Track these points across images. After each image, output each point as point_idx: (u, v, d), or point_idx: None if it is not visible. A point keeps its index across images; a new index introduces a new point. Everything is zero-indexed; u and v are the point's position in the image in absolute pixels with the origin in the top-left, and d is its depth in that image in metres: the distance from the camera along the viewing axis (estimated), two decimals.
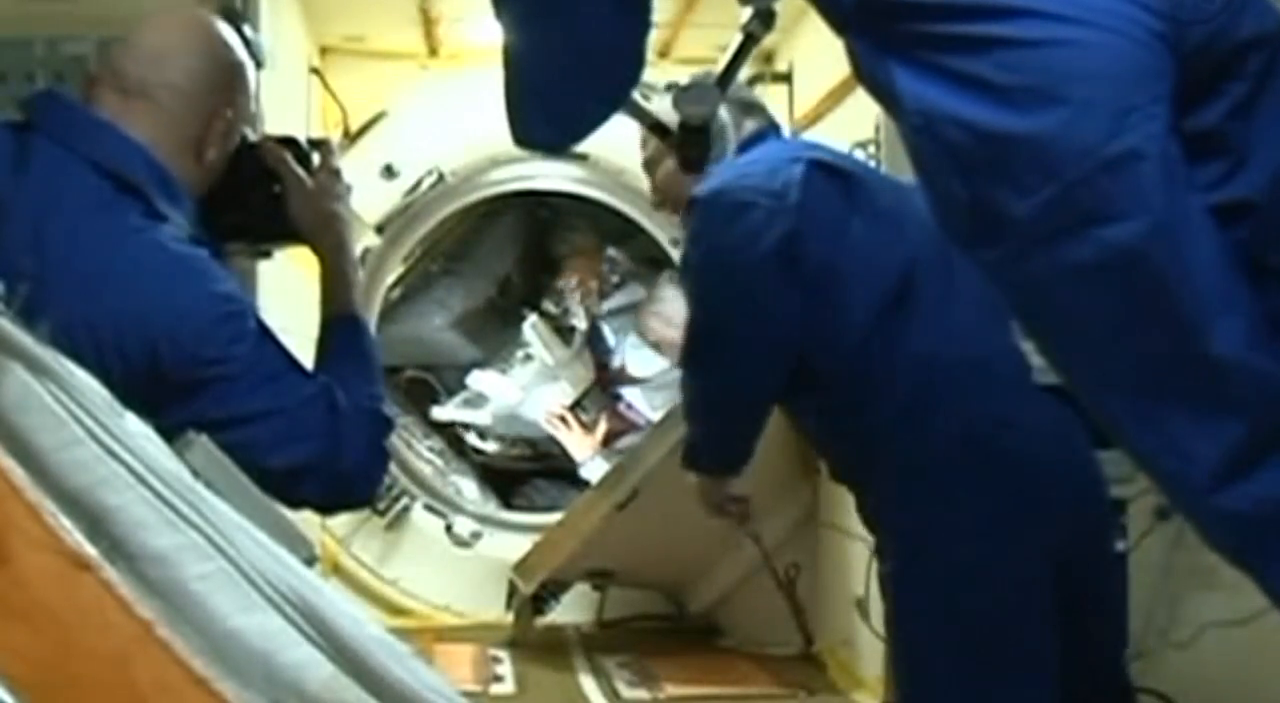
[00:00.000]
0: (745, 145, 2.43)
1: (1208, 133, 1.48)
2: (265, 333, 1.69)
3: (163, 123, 1.71)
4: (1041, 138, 1.41)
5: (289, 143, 1.89)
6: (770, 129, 2.50)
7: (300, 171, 1.86)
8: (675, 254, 4.15)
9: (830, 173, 2.30)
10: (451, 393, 4.50)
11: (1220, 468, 1.38)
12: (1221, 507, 1.39)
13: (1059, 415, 2.07)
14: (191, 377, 1.59)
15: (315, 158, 1.89)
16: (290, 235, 1.89)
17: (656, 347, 4.17)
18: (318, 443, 1.67)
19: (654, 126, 2.46)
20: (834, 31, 1.62)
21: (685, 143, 2.42)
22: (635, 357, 4.26)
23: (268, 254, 2.07)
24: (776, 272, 2.18)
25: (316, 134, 3.70)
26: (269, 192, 1.85)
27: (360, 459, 1.73)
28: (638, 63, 1.75)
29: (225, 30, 1.81)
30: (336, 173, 1.90)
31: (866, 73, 1.59)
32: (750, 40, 2.32)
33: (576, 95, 1.73)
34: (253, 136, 1.88)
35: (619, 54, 1.71)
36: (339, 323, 1.85)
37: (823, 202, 2.24)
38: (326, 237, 1.87)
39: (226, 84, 1.78)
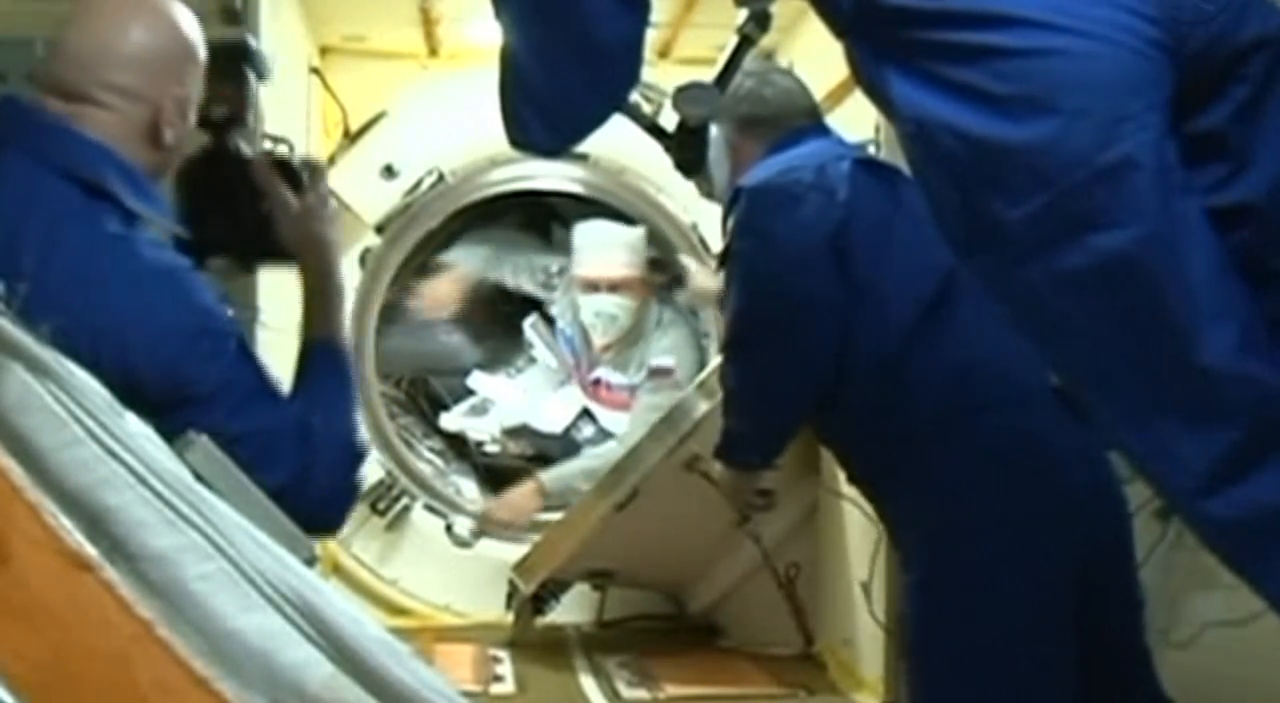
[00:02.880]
0: (786, 142, 2.42)
1: (1210, 135, 1.48)
2: (244, 352, 1.67)
3: (112, 121, 1.68)
4: (1035, 147, 1.41)
5: (280, 163, 1.87)
6: (813, 128, 2.50)
7: (288, 193, 1.83)
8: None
9: (875, 172, 2.31)
10: (455, 394, 4.48)
11: (1210, 474, 1.38)
12: (1212, 513, 1.40)
13: (1078, 425, 2.07)
14: (165, 394, 1.54)
15: (306, 179, 1.86)
16: (275, 255, 1.86)
17: (594, 287, 3.95)
18: (287, 470, 1.63)
19: (650, 128, 2.45)
20: (834, 35, 1.63)
21: (683, 144, 2.41)
22: (589, 309, 4.01)
23: (251, 271, 2.05)
24: (827, 264, 2.19)
25: (313, 149, 3.71)
26: (256, 210, 1.83)
27: (330, 489, 1.70)
28: (638, 60, 1.75)
29: (156, 6, 1.75)
30: (326, 196, 1.87)
31: (864, 77, 1.60)
32: (746, 42, 2.31)
33: (576, 94, 1.73)
34: (246, 152, 1.86)
35: (620, 51, 1.71)
36: (319, 348, 1.82)
37: (869, 200, 2.25)
38: (310, 259, 1.84)
39: (168, 64, 1.72)
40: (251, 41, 1.95)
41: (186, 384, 1.58)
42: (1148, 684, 2.21)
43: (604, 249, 3.95)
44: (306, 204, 1.83)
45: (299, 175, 1.86)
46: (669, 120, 2.44)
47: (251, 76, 1.89)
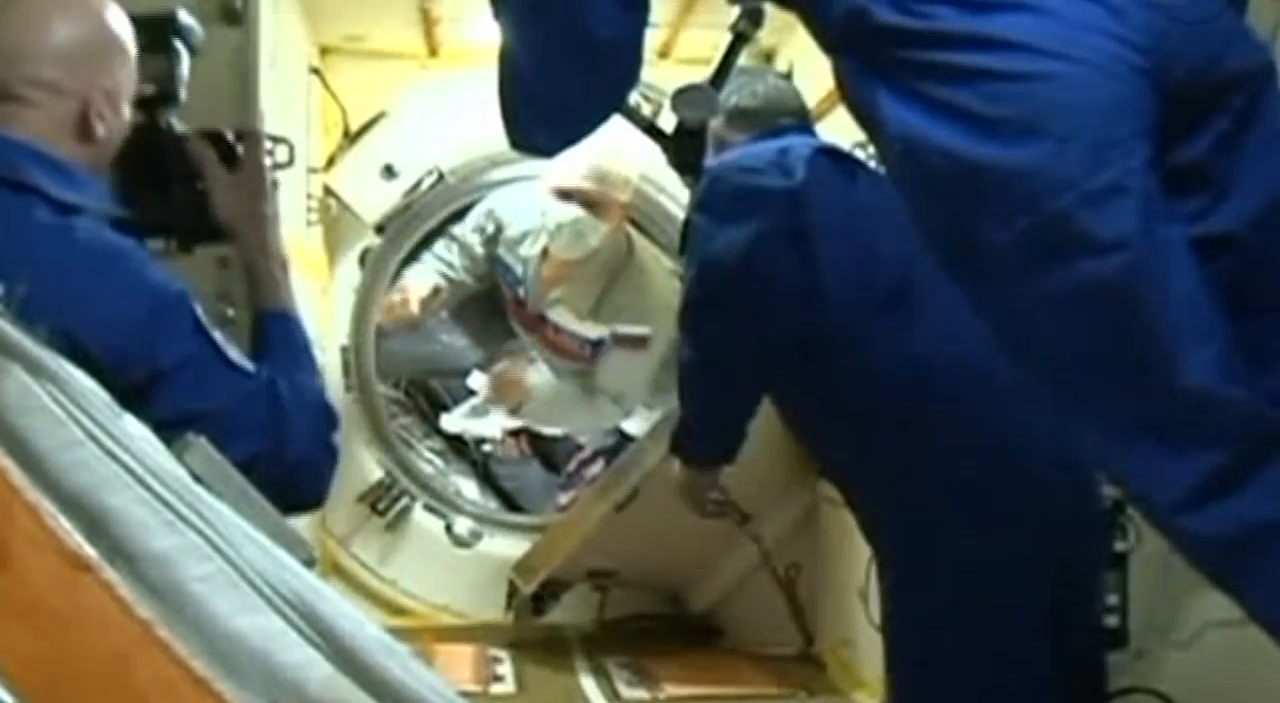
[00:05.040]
0: (766, 136, 2.39)
1: (1192, 166, 1.50)
2: (199, 326, 1.62)
3: (39, 119, 1.64)
4: (1022, 170, 1.42)
5: (213, 137, 1.83)
6: (796, 128, 2.47)
7: (222, 168, 1.78)
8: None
9: (839, 162, 2.30)
10: (455, 395, 4.48)
11: (1193, 492, 1.39)
12: (1195, 529, 1.41)
13: (1048, 421, 2.07)
14: (128, 380, 1.48)
15: (240, 151, 1.81)
16: (213, 234, 1.81)
17: (567, 197, 3.73)
18: (260, 438, 1.59)
19: (649, 129, 2.45)
20: (824, 52, 1.64)
21: (681, 146, 2.40)
22: (553, 218, 3.76)
23: (190, 252, 2.00)
24: (782, 243, 2.16)
25: (313, 149, 3.70)
26: (192, 188, 1.78)
27: (307, 453, 1.65)
28: (637, 61, 1.75)
29: (81, 1, 1.71)
30: (261, 168, 1.82)
31: (853, 96, 1.61)
32: (740, 40, 2.31)
33: (575, 95, 1.74)
34: (180, 129, 1.81)
35: (619, 51, 1.72)
36: (270, 319, 1.78)
37: (828, 187, 2.23)
38: (248, 236, 1.79)
39: (94, 57, 1.68)
40: (182, 14, 1.85)
41: (144, 368, 1.53)
42: (1100, 678, 2.21)
43: (591, 156, 3.53)
44: (241, 179, 1.79)
45: (233, 149, 1.81)
46: (668, 120, 2.44)
47: (183, 50, 1.83)
